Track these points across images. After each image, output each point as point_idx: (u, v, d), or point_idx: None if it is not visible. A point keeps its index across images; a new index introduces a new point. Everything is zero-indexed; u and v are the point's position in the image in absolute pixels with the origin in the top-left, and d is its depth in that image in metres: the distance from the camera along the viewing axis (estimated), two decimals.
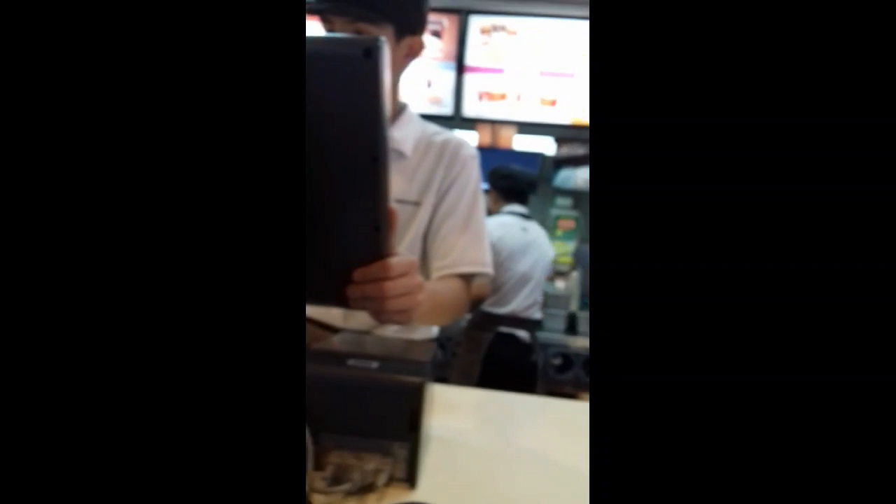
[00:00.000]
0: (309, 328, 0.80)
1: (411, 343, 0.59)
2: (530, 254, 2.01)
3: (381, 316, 0.51)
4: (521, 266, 1.97)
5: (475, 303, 1.87)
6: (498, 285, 1.93)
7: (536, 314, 2.06)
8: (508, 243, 1.95)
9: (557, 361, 2.30)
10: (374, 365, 0.47)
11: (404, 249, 0.83)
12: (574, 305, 2.57)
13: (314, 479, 0.43)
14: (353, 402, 0.46)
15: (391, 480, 0.46)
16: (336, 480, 0.44)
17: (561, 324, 2.48)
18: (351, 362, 0.47)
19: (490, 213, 2.09)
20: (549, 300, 2.51)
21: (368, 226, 0.49)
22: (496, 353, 1.91)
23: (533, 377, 2.04)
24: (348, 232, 0.51)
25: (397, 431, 0.46)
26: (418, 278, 0.53)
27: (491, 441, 0.62)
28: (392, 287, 0.50)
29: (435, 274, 0.81)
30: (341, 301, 0.53)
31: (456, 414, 0.71)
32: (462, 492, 0.48)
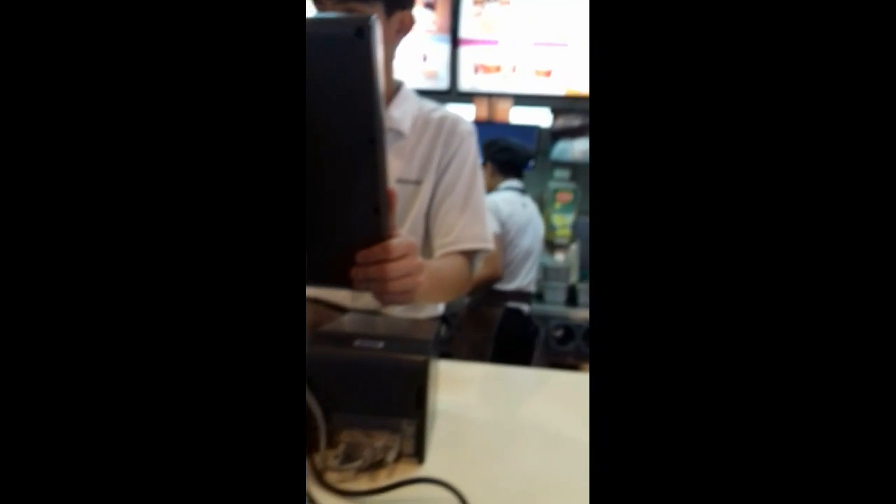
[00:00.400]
0: (318, 309, 0.81)
1: (417, 322, 0.60)
2: (531, 229, 2.02)
3: (384, 297, 0.52)
4: (525, 242, 1.99)
5: (489, 281, 1.88)
6: (506, 262, 1.94)
7: (533, 287, 2.09)
8: (516, 220, 1.96)
9: (559, 333, 2.33)
10: (380, 345, 0.48)
11: (407, 229, 0.83)
12: (574, 277, 2.58)
13: (327, 457, 0.45)
14: (361, 382, 0.47)
15: (400, 456, 0.48)
16: (348, 458, 0.45)
17: (561, 296, 2.50)
18: (357, 343, 0.48)
19: (488, 188, 2.08)
20: (548, 273, 2.53)
21: (368, 207, 0.50)
22: (505, 329, 1.93)
23: (532, 347, 2.07)
24: (349, 214, 0.52)
25: (404, 408, 0.47)
26: (419, 259, 0.54)
27: (495, 415, 0.64)
28: (393, 269, 0.50)
29: (437, 252, 0.82)
30: (345, 282, 0.54)
31: (461, 389, 0.73)
32: (468, 465, 0.49)
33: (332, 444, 0.46)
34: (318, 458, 0.44)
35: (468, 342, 1.97)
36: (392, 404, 0.47)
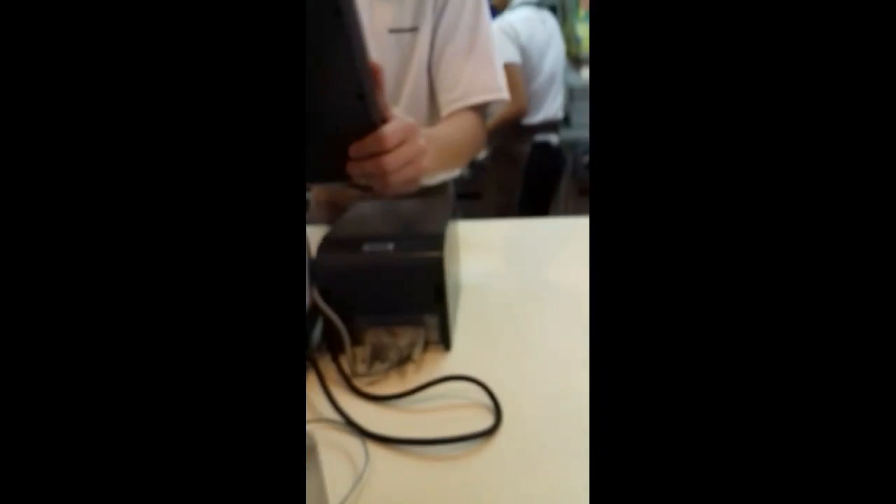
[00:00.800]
0: (332, 189, 0.77)
1: (430, 203, 0.56)
2: (552, 47, 1.82)
3: (386, 190, 0.47)
4: (547, 65, 1.80)
5: (513, 119, 1.75)
6: (530, 93, 1.78)
7: (561, 113, 1.96)
8: (537, 42, 1.75)
9: (587, 160, 2.25)
10: (391, 246, 0.45)
11: (410, 84, 0.75)
12: None
13: (354, 360, 0.45)
14: (377, 286, 0.45)
15: (427, 344, 0.48)
16: (374, 357, 0.46)
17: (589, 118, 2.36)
18: (367, 248, 0.45)
19: (500, 3, 1.83)
20: (574, 93, 2.36)
21: (351, 93, 0.43)
22: (534, 164, 1.86)
23: (559, 174, 2.02)
24: (331, 103, 0.45)
25: (425, 305, 0.46)
26: (420, 142, 0.48)
27: (520, 282, 0.63)
28: (392, 160, 0.45)
29: (444, 109, 0.74)
30: (342, 177, 0.50)
31: (484, 253, 0.71)
32: (495, 346, 0.50)
33: (358, 342, 0.47)
34: (344, 362, 0.45)
35: (496, 182, 1.92)
36: (412, 302, 0.46)
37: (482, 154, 1.89)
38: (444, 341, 0.48)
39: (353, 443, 0.38)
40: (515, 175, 1.86)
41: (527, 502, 0.33)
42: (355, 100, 0.43)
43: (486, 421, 0.39)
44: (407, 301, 0.46)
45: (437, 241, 0.45)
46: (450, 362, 0.47)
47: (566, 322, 0.53)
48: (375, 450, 0.38)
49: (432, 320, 0.47)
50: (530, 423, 0.40)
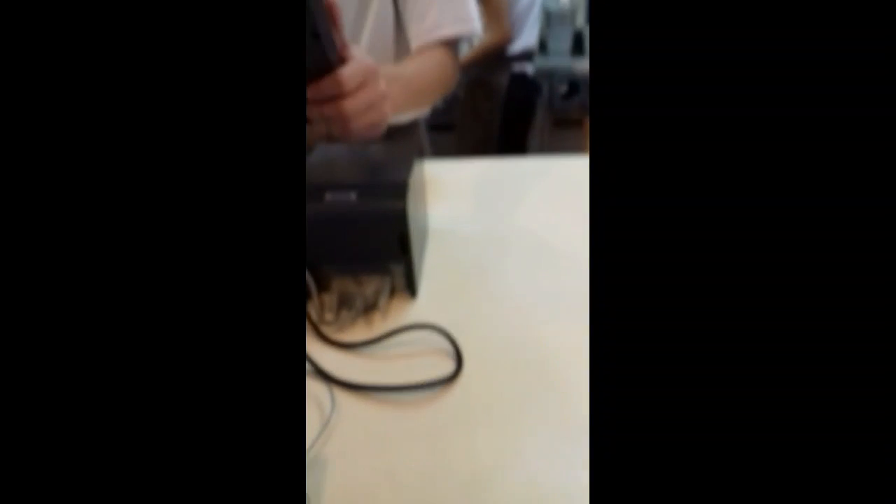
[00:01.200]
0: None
1: (395, 147, 0.54)
2: None
3: (348, 137, 0.46)
4: None
5: (498, 47, 1.67)
6: (511, 21, 1.70)
7: (536, 42, 1.89)
8: None
9: (563, 89, 2.20)
10: (353, 196, 0.44)
11: (373, 14, 0.70)
12: (580, 20, 2.31)
13: (322, 308, 0.46)
14: (341, 236, 0.45)
15: (393, 291, 0.49)
16: (341, 305, 0.46)
17: (566, 44, 2.28)
18: (329, 197, 0.44)
19: None
20: (552, 18, 2.26)
21: (306, 33, 0.40)
22: (511, 95, 1.81)
23: (534, 105, 1.98)
24: None
25: (390, 254, 0.46)
26: (381, 86, 0.46)
27: (489, 227, 0.63)
28: (352, 105, 0.44)
29: (414, 42, 0.71)
30: None
31: (452, 197, 0.71)
32: (460, 293, 0.51)
33: (324, 290, 0.47)
34: (311, 310, 0.46)
35: (473, 113, 1.87)
36: (377, 252, 0.46)
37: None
38: (410, 288, 0.49)
39: (320, 389, 0.40)
40: (493, 108, 1.81)
41: (484, 446, 0.35)
42: (310, 39, 0.41)
43: (450, 367, 0.41)
44: (371, 250, 0.46)
45: (400, 189, 0.45)
46: (416, 309, 0.48)
47: (533, 267, 0.54)
48: (342, 395, 0.39)
49: (398, 268, 0.48)
50: (491, 369, 0.41)
